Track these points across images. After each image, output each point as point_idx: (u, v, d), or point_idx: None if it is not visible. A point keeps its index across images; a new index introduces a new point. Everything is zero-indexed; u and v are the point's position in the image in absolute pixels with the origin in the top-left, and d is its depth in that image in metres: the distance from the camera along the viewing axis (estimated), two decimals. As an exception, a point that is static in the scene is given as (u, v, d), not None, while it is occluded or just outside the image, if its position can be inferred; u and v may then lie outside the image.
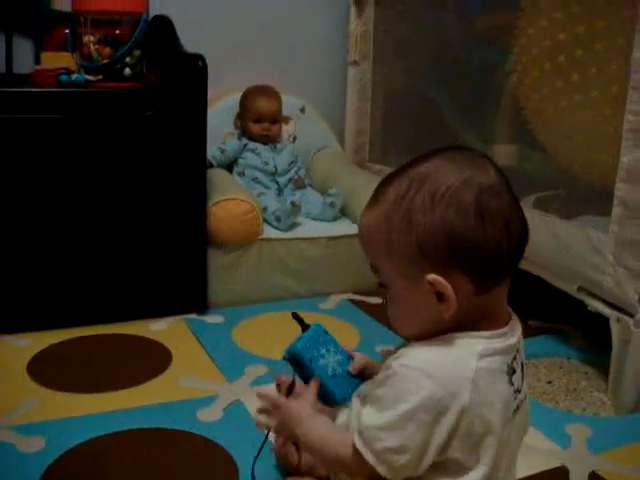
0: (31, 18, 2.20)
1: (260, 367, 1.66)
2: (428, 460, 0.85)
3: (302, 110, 2.54)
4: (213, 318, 1.95)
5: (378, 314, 1.95)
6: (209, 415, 1.45)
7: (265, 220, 2.10)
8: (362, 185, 2.22)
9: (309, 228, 2.16)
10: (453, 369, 0.84)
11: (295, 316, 1.10)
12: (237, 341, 1.80)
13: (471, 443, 0.85)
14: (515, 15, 1.86)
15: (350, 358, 1.10)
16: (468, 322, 0.87)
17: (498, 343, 0.87)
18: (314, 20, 2.63)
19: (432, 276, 0.84)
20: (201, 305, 1.97)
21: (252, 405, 1.42)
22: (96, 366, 1.66)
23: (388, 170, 2.40)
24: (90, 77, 1.88)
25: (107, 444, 1.34)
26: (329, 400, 1.08)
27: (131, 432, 1.37)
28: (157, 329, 1.85)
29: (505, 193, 0.86)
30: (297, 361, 1.07)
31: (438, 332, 0.87)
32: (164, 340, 1.79)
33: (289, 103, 2.47)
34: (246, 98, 2.38)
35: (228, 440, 1.35)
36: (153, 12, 2.08)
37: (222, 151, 2.32)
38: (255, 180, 2.29)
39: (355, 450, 0.88)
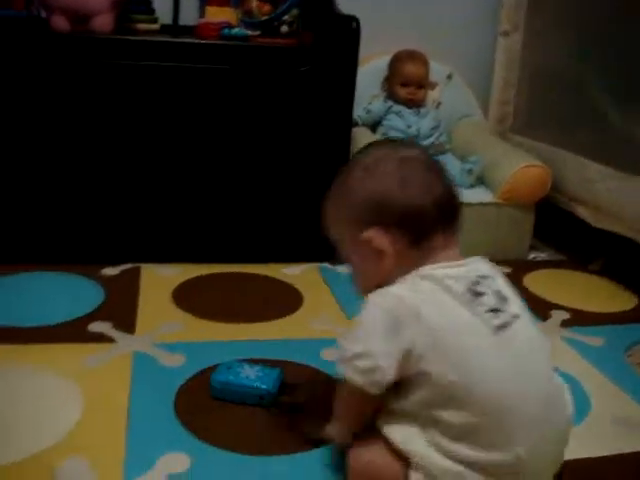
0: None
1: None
2: (393, 365, 0.95)
3: (449, 77, 2.57)
4: (345, 269, 2.02)
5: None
6: (333, 355, 1.51)
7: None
8: (500, 156, 2.24)
9: (444, 193, 2.18)
10: (403, 287, 0.99)
11: None
12: (365, 292, 1.89)
13: (437, 352, 0.94)
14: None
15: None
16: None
17: (443, 269, 1.00)
18: (468, -12, 2.64)
19: (366, 233, 1.01)
20: (335, 255, 2.05)
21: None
22: (234, 299, 1.79)
23: (529, 142, 2.41)
24: (249, 32, 1.99)
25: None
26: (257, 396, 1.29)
27: (261, 361, 1.46)
28: (292, 273, 1.97)
29: (426, 163, 1.03)
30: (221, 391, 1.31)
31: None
32: (297, 284, 1.90)
33: (437, 69, 2.50)
34: (395, 61, 2.43)
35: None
36: (312, -27, 2.15)
37: (368, 111, 2.39)
38: (397, 142, 2.35)
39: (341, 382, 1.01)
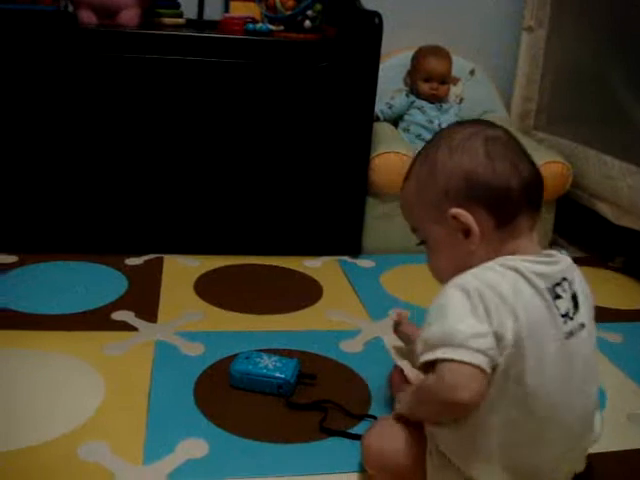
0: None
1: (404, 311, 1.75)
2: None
3: (472, 72, 2.57)
4: (365, 262, 2.06)
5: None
6: (351, 347, 1.55)
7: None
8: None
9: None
10: (485, 269, 0.94)
11: None
12: (385, 285, 1.91)
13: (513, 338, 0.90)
14: None
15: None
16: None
17: (529, 263, 0.95)
18: (491, -17, 2.64)
19: (454, 210, 0.96)
20: (355, 249, 2.09)
21: (391, 343, 1.56)
22: (254, 291, 1.82)
23: (552, 139, 2.41)
24: (273, 27, 2.01)
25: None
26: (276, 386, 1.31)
27: (279, 351, 1.48)
28: (312, 266, 2.00)
29: (510, 143, 0.99)
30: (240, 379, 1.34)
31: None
32: (317, 276, 1.93)
33: (459, 65, 2.51)
34: (418, 57, 2.44)
35: (365, 370, 1.44)
36: (336, -32, 2.16)
37: (390, 106, 2.40)
38: (419, 137, 2.36)
39: (427, 370, 0.93)
